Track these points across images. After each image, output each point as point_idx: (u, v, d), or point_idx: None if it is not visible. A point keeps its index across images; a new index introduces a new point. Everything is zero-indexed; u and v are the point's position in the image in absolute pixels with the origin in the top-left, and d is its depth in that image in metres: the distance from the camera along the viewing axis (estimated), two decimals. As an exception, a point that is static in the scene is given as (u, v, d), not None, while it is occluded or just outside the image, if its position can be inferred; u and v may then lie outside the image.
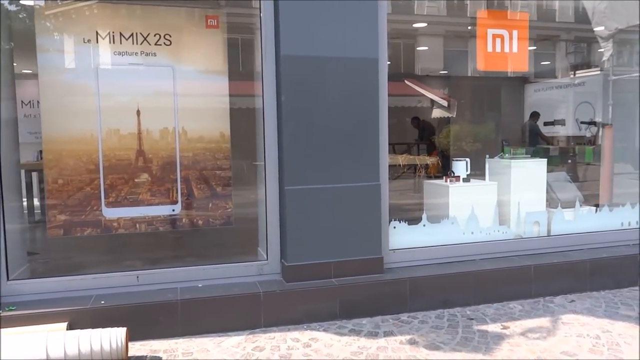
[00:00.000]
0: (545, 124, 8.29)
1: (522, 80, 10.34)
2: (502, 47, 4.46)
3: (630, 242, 4.51)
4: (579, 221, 4.46)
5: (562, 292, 4.05)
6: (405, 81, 12.27)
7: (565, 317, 3.62)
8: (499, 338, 3.28)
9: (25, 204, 4.51)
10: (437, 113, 12.20)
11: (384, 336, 3.31)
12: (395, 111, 10.92)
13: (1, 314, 3.05)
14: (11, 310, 3.12)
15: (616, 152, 5.10)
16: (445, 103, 12.15)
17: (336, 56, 3.58)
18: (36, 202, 5.08)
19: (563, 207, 4.46)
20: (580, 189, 5.16)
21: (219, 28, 3.86)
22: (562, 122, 8.05)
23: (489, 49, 4.43)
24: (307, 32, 3.52)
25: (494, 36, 4.43)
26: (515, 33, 4.48)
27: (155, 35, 3.72)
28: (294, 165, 3.57)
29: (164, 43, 3.74)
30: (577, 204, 4.51)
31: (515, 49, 4.49)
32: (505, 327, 3.45)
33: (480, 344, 3.18)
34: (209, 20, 3.86)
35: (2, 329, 2.94)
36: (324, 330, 3.40)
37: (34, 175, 5.17)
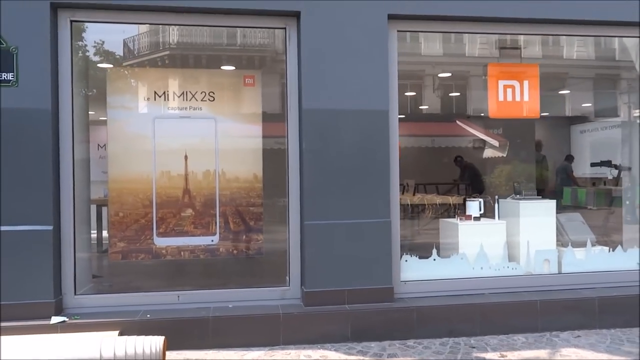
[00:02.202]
0: (592, 164, 8.34)
1: (567, 121, 10.41)
2: (513, 96, 4.83)
3: (644, 282, 4.61)
4: (591, 260, 4.64)
5: (570, 328, 4.23)
6: (457, 121, 12.60)
7: (566, 350, 3.83)
8: (493, 364, 3.56)
9: (95, 235, 5.29)
10: (488, 153, 12.37)
11: (387, 357, 3.69)
12: (446, 151, 11.18)
13: (68, 321, 3.74)
14: (76, 318, 3.82)
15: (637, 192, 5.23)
16: (496, 143, 12.30)
17: (350, 109, 4.14)
18: (104, 233, 5.89)
19: (574, 247, 4.66)
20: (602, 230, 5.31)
21: (254, 86, 4.55)
22: (607, 164, 8.09)
23: (500, 98, 4.82)
24: (325, 88, 4.11)
25: (505, 87, 4.82)
26: (525, 83, 4.85)
27: (201, 93, 4.46)
28: (312, 203, 4.10)
29: (209, 99, 4.46)
30: (589, 243, 4.70)
31: (526, 98, 4.85)
32: (502, 356, 3.72)
33: (474, 369, 3.49)
34: (246, 80, 4.56)
35: (70, 333, 3.61)
36: (335, 350, 3.83)
37: (104, 209, 6.02)
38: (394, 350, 3.84)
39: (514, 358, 3.68)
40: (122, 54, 5.33)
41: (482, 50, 5.94)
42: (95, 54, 4.81)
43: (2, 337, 3.50)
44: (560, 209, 6.94)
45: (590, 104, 9.91)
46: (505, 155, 11.13)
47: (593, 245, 4.75)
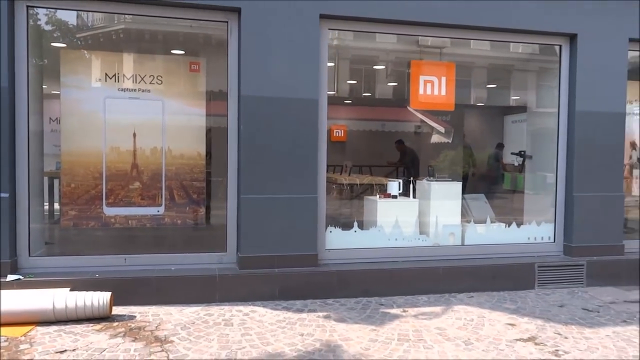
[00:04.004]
0: (512, 153, 9.19)
1: (502, 111, 11.26)
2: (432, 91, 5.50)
3: (535, 253, 5.43)
4: (489, 235, 5.42)
5: (466, 290, 4.99)
6: (408, 107, 13.32)
7: (457, 307, 4.58)
8: (395, 317, 4.25)
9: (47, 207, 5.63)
10: (435, 139, 13.16)
11: (307, 312, 4.33)
12: (398, 135, 11.64)
13: (23, 279, 4.17)
14: (30, 277, 4.24)
15: (536, 179, 6.05)
16: (442, 129, 13.10)
17: (285, 96, 4.68)
18: (56, 205, 6.22)
19: (476, 223, 5.43)
20: (505, 208, 6.11)
21: (199, 72, 5.00)
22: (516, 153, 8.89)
23: (421, 91, 5.47)
24: (262, 78, 4.62)
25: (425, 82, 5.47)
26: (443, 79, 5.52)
27: (150, 76, 4.88)
28: (248, 179, 4.64)
29: (157, 82, 4.89)
30: (489, 220, 5.47)
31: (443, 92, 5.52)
32: (404, 311, 4.42)
33: (377, 320, 4.16)
34: (192, 66, 5.01)
35: (25, 290, 4.04)
36: (263, 306, 4.43)
37: (55, 182, 6.33)
38: (314, 306, 4.47)
39: (413, 313, 4.38)
40: (75, 25, 5.51)
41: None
42: (49, 26, 5.03)
43: (-38, 291, 3.90)
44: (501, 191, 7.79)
45: (518, 97, 10.78)
46: (450, 141, 11.93)
47: (492, 222, 5.53)
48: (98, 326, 3.85)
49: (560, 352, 3.58)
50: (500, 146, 9.27)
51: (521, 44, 5.74)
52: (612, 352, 3.62)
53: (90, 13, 5.13)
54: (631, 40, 5.47)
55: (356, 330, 3.92)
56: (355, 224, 5.15)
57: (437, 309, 4.50)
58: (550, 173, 5.67)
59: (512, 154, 7.27)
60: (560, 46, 5.50)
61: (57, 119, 5.14)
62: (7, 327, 3.74)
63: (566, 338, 3.86)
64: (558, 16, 5.28)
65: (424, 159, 10.63)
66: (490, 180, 9.07)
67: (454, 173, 9.82)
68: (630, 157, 6.20)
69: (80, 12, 5.07)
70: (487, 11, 5.09)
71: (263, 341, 3.65)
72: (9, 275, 4.19)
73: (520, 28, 5.28)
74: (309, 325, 3.99)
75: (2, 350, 3.36)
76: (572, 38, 5.42)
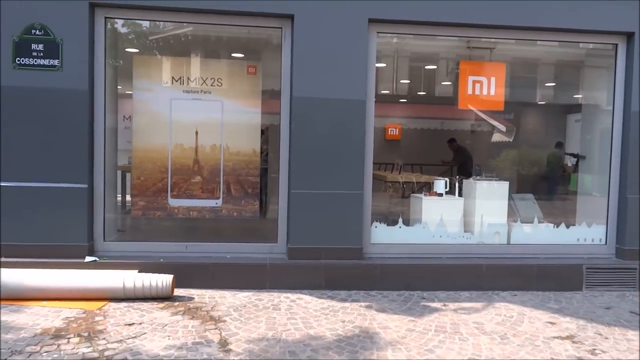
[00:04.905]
0: (567, 154, 8.95)
1: (565, 109, 10.94)
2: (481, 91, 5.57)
3: (585, 255, 5.38)
4: (536, 234, 5.42)
5: (510, 289, 5.05)
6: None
7: (498, 304, 4.66)
8: (434, 310, 4.42)
9: (120, 198, 6.22)
10: (496, 137, 12.96)
11: (350, 302, 4.58)
12: (456, 134, 11.51)
13: (98, 261, 4.71)
14: (104, 259, 4.78)
15: (589, 180, 5.96)
16: (504, 128, 12.88)
17: (334, 97, 4.93)
18: (127, 197, 6.84)
19: (523, 222, 5.45)
20: (559, 208, 6.07)
21: (256, 75, 5.37)
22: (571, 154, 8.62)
23: (469, 91, 5.55)
24: (313, 80, 4.90)
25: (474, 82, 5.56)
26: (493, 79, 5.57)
27: (211, 79, 5.30)
28: (298, 175, 4.95)
29: (217, 85, 5.30)
30: (536, 220, 5.48)
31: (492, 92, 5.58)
32: (445, 305, 4.57)
33: (417, 312, 4.35)
34: (249, 69, 5.39)
35: (100, 270, 4.57)
36: (309, 295, 4.72)
37: (127, 175, 6.95)
38: (358, 297, 4.72)
39: (453, 307, 4.52)
40: (146, 32, 6.02)
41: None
42: (124, 33, 5.55)
43: (49, 270, 4.46)
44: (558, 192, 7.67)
45: (580, 95, 10.42)
46: (511, 140, 11.71)
47: (540, 222, 5.52)
48: (161, 305, 4.29)
49: (597, 351, 3.62)
50: (560, 145, 9.03)
51: (577, 43, 5.65)
52: (652, 354, 3.61)
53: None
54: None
55: (395, 320, 4.13)
56: (400, 220, 5.33)
57: (478, 304, 4.61)
58: (604, 174, 5.58)
59: (566, 154, 7.14)
60: (617, 45, 5.40)
61: (129, 117, 5.66)
62: (84, 301, 4.27)
63: (607, 339, 3.88)
64: (614, 15, 5.20)
65: (483, 158, 10.56)
66: (548, 180, 8.89)
67: (509, 172, 9.76)
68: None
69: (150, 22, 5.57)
70: (541, 11, 5.10)
71: (306, 325, 3.94)
72: (86, 257, 4.74)
73: (575, 27, 5.25)
74: (350, 314, 4.24)
75: (80, 320, 3.86)
76: (629, 37, 5.31)
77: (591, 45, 6.01)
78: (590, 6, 5.15)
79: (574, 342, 3.79)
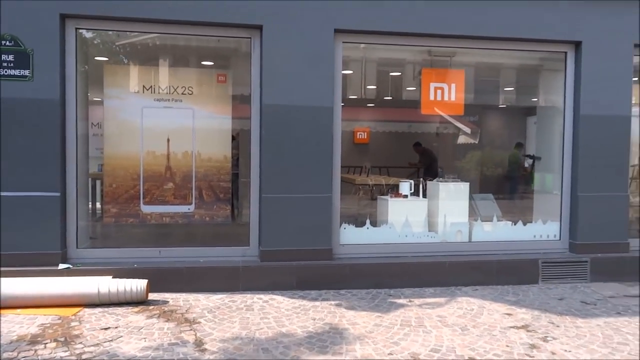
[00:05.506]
0: (524, 155, 9.37)
1: (525, 112, 11.40)
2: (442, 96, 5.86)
3: (541, 250, 5.72)
4: (496, 232, 5.74)
5: (471, 284, 5.33)
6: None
7: (461, 298, 4.93)
8: (400, 306, 4.65)
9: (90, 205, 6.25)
10: (461, 139, 13.36)
11: (321, 301, 4.77)
12: (423, 137, 11.74)
13: (72, 268, 4.77)
14: (78, 266, 4.84)
15: (544, 179, 6.33)
16: (468, 130, 13.30)
17: (302, 105, 5.13)
18: (98, 204, 6.87)
19: (483, 221, 5.76)
20: (518, 207, 6.41)
21: (226, 83, 5.52)
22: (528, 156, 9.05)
23: (431, 97, 5.84)
24: (282, 87, 5.09)
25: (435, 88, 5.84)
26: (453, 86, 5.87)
27: (182, 88, 5.42)
28: (269, 180, 5.12)
29: (188, 93, 5.43)
30: (495, 218, 5.80)
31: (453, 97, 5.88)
32: (410, 301, 4.81)
33: (384, 308, 4.57)
34: (219, 77, 5.53)
35: (74, 277, 4.63)
36: (281, 295, 4.90)
37: (98, 182, 6.98)
38: (328, 296, 4.92)
39: (418, 302, 4.77)
40: (117, 40, 6.07)
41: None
42: (94, 43, 5.60)
43: (22, 278, 4.50)
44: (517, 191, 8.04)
45: (536, 99, 10.92)
46: (476, 142, 12.10)
47: (499, 220, 5.85)
48: (136, 309, 4.40)
49: (548, 338, 3.92)
50: (520, 145, 9.45)
51: (527, 52, 6.00)
52: (598, 339, 3.93)
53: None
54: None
55: (363, 316, 4.34)
56: (368, 221, 5.56)
57: (441, 299, 4.87)
58: (558, 174, 5.94)
59: (524, 155, 7.53)
60: (566, 53, 5.77)
61: (98, 123, 5.68)
62: (59, 308, 4.33)
63: (558, 327, 4.18)
64: (564, 25, 5.56)
65: (449, 160, 10.92)
66: (509, 180, 9.30)
67: (474, 173, 10.14)
68: (640, 159, 6.39)
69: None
70: (494, 21, 5.42)
71: (279, 323, 4.12)
72: (60, 264, 4.79)
73: (528, 37, 5.59)
74: (321, 312, 4.44)
75: (56, 326, 3.94)
76: (577, 45, 5.69)
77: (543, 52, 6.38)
78: (542, 17, 5.50)
79: (528, 331, 4.07)
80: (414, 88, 11.53)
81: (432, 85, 5.84)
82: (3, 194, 4.71)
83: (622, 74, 5.69)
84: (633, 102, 5.87)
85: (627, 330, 4.11)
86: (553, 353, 3.64)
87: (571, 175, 5.78)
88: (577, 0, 5.53)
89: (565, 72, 5.79)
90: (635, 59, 5.79)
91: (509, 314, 4.47)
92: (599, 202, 5.67)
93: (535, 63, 6.76)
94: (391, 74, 9.32)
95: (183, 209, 5.49)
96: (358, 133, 12.17)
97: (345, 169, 9.33)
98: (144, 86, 5.37)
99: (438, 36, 5.47)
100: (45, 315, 4.19)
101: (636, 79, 6.21)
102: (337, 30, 5.20)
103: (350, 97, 9.99)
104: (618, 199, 5.73)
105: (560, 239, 5.82)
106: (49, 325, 3.97)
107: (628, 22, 5.65)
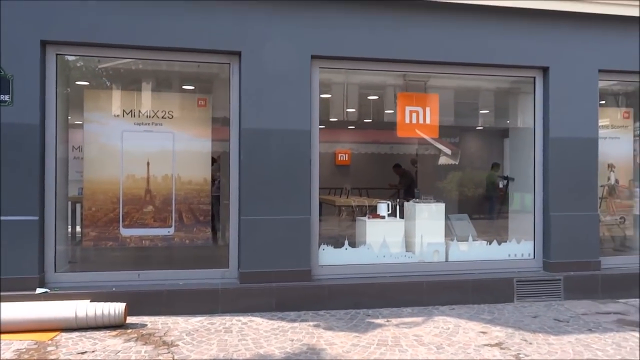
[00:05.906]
0: (499, 177, 9.56)
1: (501, 134, 11.68)
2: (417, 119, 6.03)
3: (515, 269, 5.85)
4: (471, 252, 5.87)
5: (448, 303, 5.42)
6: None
7: (438, 317, 5.01)
8: (378, 326, 4.71)
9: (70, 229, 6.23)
10: (442, 160, 13.59)
11: (300, 322, 4.81)
12: (405, 158, 11.89)
13: (49, 292, 4.75)
14: (56, 290, 4.82)
15: (517, 200, 6.50)
16: (449, 151, 13.54)
17: (280, 128, 5.25)
18: (78, 228, 6.83)
19: (459, 241, 5.88)
20: (493, 227, 6.55)
21: (206, 107, 5.62)
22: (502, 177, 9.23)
23: (407, 120, 6.01)
24: (260, 112, 5.21)
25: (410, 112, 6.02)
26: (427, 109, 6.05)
27: (162, 112, 5.50)
28: (248, 202, 5.20)
29: (168, 117, 5.51)
30: (471, 238, 5.93)
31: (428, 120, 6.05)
32: (388, 321, 4.88)
33: (362, 328, 4.63)
34: (199, 101, 5.64)
35: (52, 301, 4.62)
36: (260, 317, 4.92)
37: (77, 206, 6.96)
38: (307, 317, 4.96)
39: (396, 322, 4.84)
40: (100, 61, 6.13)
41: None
42: (74, 68, 5.68)
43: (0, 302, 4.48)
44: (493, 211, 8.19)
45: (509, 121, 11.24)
46: (457, 163, 12.31)
47: (474, 240, 5.98)
48: (114, 332, 4.39)
49: (521, 355, 4.01)
50: (496, 166, 9.68)
51: (498, 77, 6.23)
52: (569, 355, 4.03)
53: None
54: (601, 71, 5.94)
55: (341, 336, 4.39)
56: (346, 242, 5.65)
57: (419, 319, 4.95)
58: (531, 194, 6.11)
59: (498, 177, 7.73)
60: (534, 78, 6.00)
61: (79, 147, 5.72)
62: (35, 332, 4.31)
63: (531, 344, 4.28)
64: (531, 51, 5.80)
65: (430, 180, 11.09)
66: (487, 200, 9.50)
67: (454, 193, 10.31)
68: (609, 179, 6.61)
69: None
70: (466, 48, 5.63)
71: (257, 345, 4.15)
72: (37, 289, 4.77)
73: (497, 63, 5.81)
74: (299, 333, 4.48)
75: (32, 351, 3.92)
76: (545, 70, 5.93)
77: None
78: (511, 43, 5.74)
79: (502, 348, 4.16)
80: (392, 111, 11.79)
81: (408, 108, 6.02)
82: (-20, 218, 4.70)
83: (588, 98, 5.93)
84: (600, 124, 6.12)
85: (597, 347, 4.22)
86: (524, 369, 3.73)
87: (543, 195, 5.96)
88: (545, 27, 5.79)
89: (534, 96, 6.02)
90: (600, 84, 6.05)
91: (483, 332, 4.56)
92: (571, 222, 5.84)
93: (508, 86, 7.00)
94: (370, 97, 9.51)
95: (163, 231, 5.52)
96: (339, 155, 12.34)
97: (326, 191, 9.47)
98: (124, 110, 5.44)
99: (412, 62, 5.66)
100: (21, 340, 4.16)
101: (603, 102, 6.49)
102: (313, 57, 5.36)
103: (332, 119, 10.17)
104: (589, 218, 5.91)
105: (534, 258, 5.96)
106: (24, 350, 3.95)
107: (593, 49, 5.92)
